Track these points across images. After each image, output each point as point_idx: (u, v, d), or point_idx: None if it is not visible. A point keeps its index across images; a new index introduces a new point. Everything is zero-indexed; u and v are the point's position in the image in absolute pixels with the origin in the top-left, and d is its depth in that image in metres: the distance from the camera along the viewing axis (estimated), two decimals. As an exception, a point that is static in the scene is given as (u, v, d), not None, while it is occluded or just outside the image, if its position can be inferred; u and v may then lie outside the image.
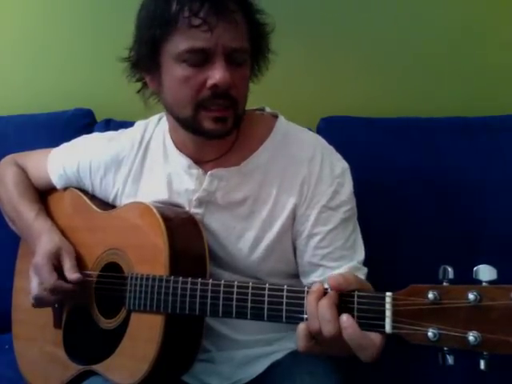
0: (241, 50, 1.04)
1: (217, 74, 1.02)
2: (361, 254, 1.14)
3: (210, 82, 1.03)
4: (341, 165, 1.16)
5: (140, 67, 1.12)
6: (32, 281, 1.19)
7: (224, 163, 1.15)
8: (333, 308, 0.84)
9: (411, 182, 1.56)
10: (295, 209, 1.13)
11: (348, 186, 1.15)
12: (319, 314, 0.84)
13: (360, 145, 1.60)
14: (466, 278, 0.74)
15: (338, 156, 1.18)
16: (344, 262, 1.10)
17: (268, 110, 1.23)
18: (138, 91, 1.16)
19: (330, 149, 1.18)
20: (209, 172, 1.14)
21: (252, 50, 1.09)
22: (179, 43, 1.03)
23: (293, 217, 1.13)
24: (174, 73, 1.05)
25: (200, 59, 1.03)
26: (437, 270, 0.77)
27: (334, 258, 1.11)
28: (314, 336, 0.86)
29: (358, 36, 1.76)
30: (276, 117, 1.21)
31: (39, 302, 1.20)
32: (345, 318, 0.83)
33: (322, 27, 1.75)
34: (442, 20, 1.75)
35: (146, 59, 1.09)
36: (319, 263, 1.12)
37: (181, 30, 1.02)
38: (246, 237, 1.14)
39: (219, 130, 1.07)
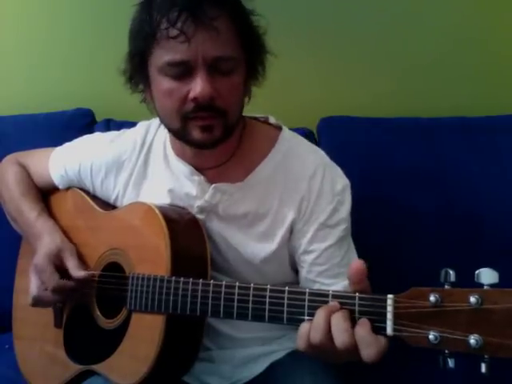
0: (224, 58, 1.01)
1: (197, 87, 0.99)
2: None
3: (191, 95, 1.01)
4: (342, 181, 1.15)
5: (134, 80, 1.11)
6: (31, 281, 1.19)
7: (226, 173, 1.15)
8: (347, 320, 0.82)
9: (411, 182, 1.57)
10: (293, 224, 1.13)
11: (347, 204, 1.14)
12: (332, 324, 0.83)
13: (360, 145, 1.61)
14: (468, 279, 0.75)
15: (340, 172, 1.17)
16: (340, 279, 1.09)
17: (272, 120, 1.21)
18: (141, 101, 1.15)
19: (332, 165, 1.17)
20: (213, 185, 1.14)
21: (246, 55, 1.06)
22: (160, 56, 1.02)
23: (290, 231, 1.14)
24: (159, 86, 1.04)
25: (181, 71, 1.01)
26: (438, 273, 0.77)
27: (330, 276, 1.11)
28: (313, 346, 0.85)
29: (358, 36, 1.77)
30: (280, 128, 1.19)
31: (38, 302, 1.20)
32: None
33: (322, 27, 1.75)
34: (442, 20, 1.75)
35: (136, 72, 1.09)
36: (315, 279, 1.12)
37: (161, 43, 1.00)
38: (245, 248, 1.14)
39: (206, 139, 1.05)
